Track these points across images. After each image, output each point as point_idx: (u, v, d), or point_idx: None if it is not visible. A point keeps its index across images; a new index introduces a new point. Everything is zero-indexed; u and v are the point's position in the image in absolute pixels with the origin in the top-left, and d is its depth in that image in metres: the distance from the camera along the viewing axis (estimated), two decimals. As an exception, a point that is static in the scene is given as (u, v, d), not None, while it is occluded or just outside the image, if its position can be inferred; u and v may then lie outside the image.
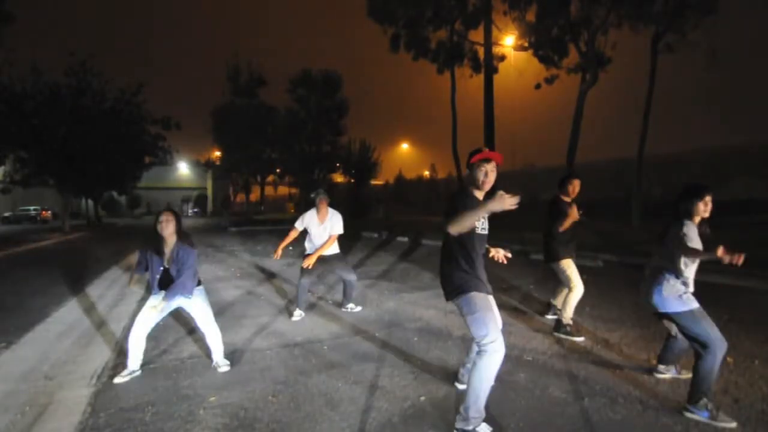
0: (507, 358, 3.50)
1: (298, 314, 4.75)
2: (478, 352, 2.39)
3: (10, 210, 35.19)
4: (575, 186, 4.08)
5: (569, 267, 4.06)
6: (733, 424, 2.43)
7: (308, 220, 4.75)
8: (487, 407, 2.42)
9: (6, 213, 34.74)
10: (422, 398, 2.84)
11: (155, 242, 3.17)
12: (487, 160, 2.38)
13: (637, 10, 15.94)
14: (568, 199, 4.10)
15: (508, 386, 2.99)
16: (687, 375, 2.98)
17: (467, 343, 3.88)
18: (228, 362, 3.39)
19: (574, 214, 4.01)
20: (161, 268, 3.17)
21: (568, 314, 4.05)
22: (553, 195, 4.20)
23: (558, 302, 4.43)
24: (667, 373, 3.10)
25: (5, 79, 17.89)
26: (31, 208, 35.07)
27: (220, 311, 5.14)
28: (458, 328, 4.36)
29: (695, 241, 2.59)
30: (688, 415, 2.53)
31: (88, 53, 20.21)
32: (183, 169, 58.75)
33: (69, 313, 5.24)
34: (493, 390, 2.94)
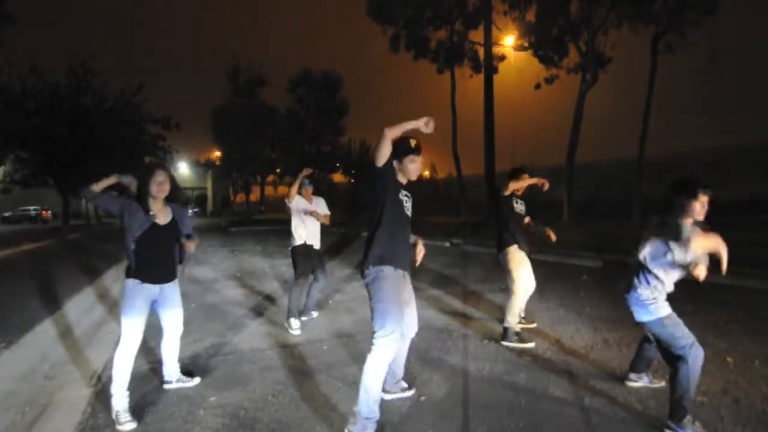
0: (507, 358, 3.52)
1: (296, 325, 4.30)
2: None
3: (10, 210, 35.15)
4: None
5: (515, 259, 3.86)
6: None
7: (299, 201, 4.53)
8: (481, 407, 2.41)
9: (6, 213, 34.69)
10: (422, 398, 2.84)
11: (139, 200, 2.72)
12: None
13: (637, 10, 15.93)
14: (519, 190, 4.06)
15: (508, 386, 2.99)
16: (659, 383, 2.88)
17: (467, 343, 3.89)
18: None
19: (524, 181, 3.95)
20: (150, 224, 2.68)
21: (512, 320, 3.82)
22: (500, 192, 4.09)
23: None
24: (639, 382, 2.92)
25: (5, 79, 17.90)
26: (31, 208, 35.01)
27: (220, 311, 5.14)
28: (458, 328, 4.37)
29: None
30: None
31: (88, 53, 20.11)
32: (183, 169, 58.66)
33: (69, 313, 5.24)
34: (494, 389, 2.95)
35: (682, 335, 2.37)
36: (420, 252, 2.65)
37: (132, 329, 2.65)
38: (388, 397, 2.76)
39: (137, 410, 2.70)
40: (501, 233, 3.99)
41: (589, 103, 17.67)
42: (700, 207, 2.32)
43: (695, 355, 2.32)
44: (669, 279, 2.48)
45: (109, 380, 3.17)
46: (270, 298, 5.85)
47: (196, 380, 3.10)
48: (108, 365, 3.48)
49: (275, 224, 23.32)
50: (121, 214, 2.69)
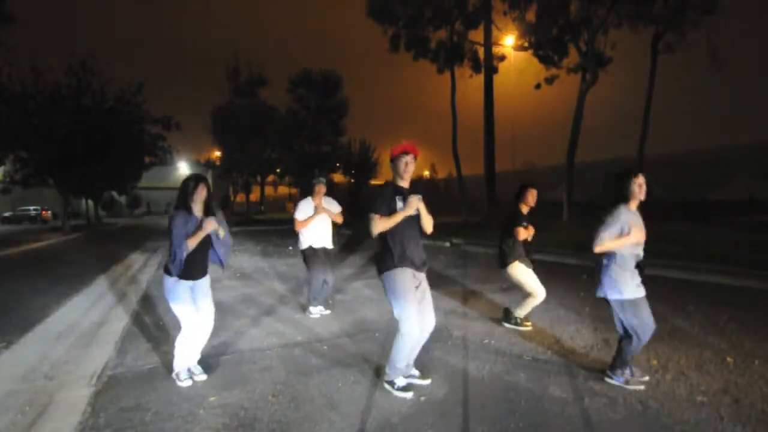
0: (507, 357, 3.53)
1: (317, 311, 4.47)
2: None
3: (10, 210, 35.14)
4: (533, 195, 4.19)
5: (519, 273, 4.16)
6: (642, 387, 2.89)
7: (307, 208, 4.61)
8: (481, 407, 2.41)
9: (6, 213, 34.70)
10: (422, 398, 2.84)
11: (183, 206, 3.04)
12: (407, 153, 2.78)
13: (637, 10, 15.96)
14: (526, 209, 4.19)
15: (508, 386, 2.99)
16: (643, 377, 3.03)
17: (467, 343, 3.89)
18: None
19: (529, 231, 4.17)
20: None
21: (521, 312, 4.27)
22: (511, 204, 4.30)
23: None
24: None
25: (5, 79, 17.90)
26: (31, 208, 35.02)
27: (220, 311, 5.14)
28: (458, 328, 4.37)
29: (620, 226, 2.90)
30: (608, 380, 2.98)
31: (88, 53, 20.00)
32: (183, 169, 58.68)
33: (69, 313, 5.24)
34: (494, 389, 2.95)
35: (639, 322, 2.86)
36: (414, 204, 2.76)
37: (188, 317, 3.04)
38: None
39: (137, 410, 2.70)
40: (499, 247, 4.28)
41: (589, 103, 17.70)
42: (638, 188, 2.89)
43: (645, 333, 2.87)
44: (627, 249, 2.94)
45: (110, 380, 3.18)
46: (270, 299, 5.84)
47: (204, 376, 3.20)
48: (108, 365, 3.49)
49: (275, 224, 23.32)
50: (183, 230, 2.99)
